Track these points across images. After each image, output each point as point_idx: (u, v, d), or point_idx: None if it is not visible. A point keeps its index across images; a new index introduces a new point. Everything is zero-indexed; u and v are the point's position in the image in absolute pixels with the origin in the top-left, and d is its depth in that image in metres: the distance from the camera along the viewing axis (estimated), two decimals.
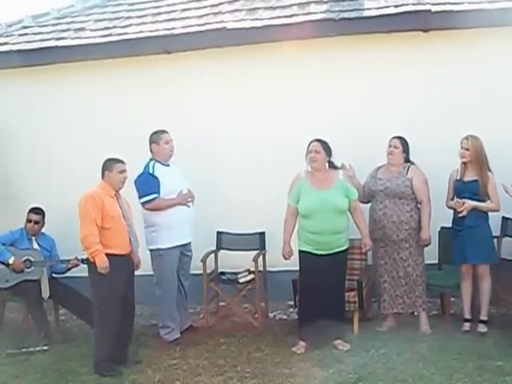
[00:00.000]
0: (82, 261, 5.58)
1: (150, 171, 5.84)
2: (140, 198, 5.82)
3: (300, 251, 5.57)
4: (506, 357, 5.06)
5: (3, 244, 6.27)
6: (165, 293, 5.90)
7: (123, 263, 5.36)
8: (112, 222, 5.31)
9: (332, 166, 5.65)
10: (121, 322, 5.30)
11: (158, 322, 6.09)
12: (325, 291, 5.43)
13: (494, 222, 5.87)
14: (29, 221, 6.49)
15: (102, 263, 5.19)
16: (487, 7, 6.12)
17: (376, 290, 6.03)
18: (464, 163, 5.69)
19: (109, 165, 5.46)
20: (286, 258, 5.69)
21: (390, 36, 6.40)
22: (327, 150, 5.59)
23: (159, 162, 5.91)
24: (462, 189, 5.68)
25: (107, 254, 5.22)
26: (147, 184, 5.79)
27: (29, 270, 6.22)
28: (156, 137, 5.95)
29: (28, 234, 6.48)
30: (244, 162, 6.86)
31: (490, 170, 5.63)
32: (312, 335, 5.53)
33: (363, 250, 5.77)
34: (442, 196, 5.82)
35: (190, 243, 6.08)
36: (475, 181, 5.61)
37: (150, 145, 5.98)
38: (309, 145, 5.60)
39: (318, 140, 5.59)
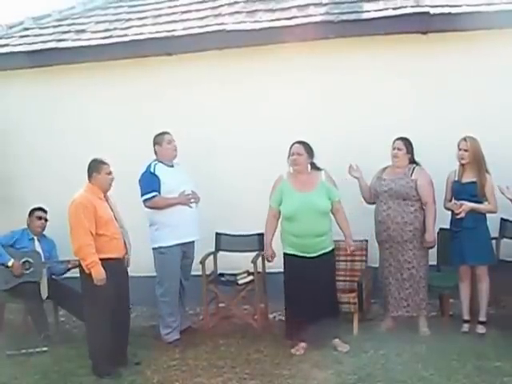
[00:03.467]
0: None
1: (152, 170, 5.95)
2: (141, 195, 5.92)
3: (285, 254, 5.59)
4: (504, 357, 5.06)
5: (2, 245, 6.29)
6: (166, 291, 5.93)
7: (118, 266, 5.31)
8: (106, 227, 5.22)
9: (314, 167, 5.66)
10: (117, 324, 5.25)
11: (158, 321, 6.10)
12: (314, 293, 5.43)
13: (493, 224, 5.88)
14: (39, 217, 6.53)
15: (99, 275, 5.09)
16: (486, 9, 6.12)
17: (381, 292, 6.02)
18: (462, 164, 5.71)
19: (96, 167, 5.33)
20: (268, 261, 5.76)
21: (388, 38, 6.41)
22: (309, 151, 5.59)
23: (162, 163, 6.02)
24: (459, 190, 5.69)
25: (102, 259, 5.13)
26: (148, 182, 5.91)
27: (28, 271, 6.24)
28: (159, 138, 6.07)
29: (30, 235, 6.51)
30: (243, 163, 6.87)
31: (487, 172, 5.65)
32: (302, 336, 5.54)
33: (348, 252, 5.76)
34: (440, 197, 5.82)
35: (193, 242, 6.11)
36: (473, 182, 5.62)
37: (154, 146, 6.09)
38: (291, 147, 5.61)
39: (300, 142, 5.61)
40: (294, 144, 5.62)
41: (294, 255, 5.51)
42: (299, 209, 5.43)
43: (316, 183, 5.56)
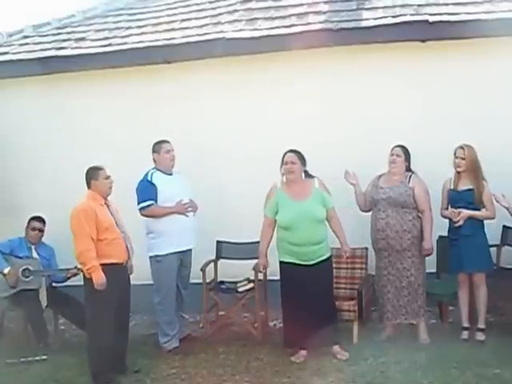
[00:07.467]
0: (81, 270, 5.57)
1: (149, 179, 5.95)
2: (137, 204, 5.91)
3: (281, 262, 5.59)
4: (504, 365, 5.06)
5: (1, 253, 6.29)
6: (163, 300, 5.92)
7: (120, 272, 5.33)
8: (107, 232, 5.25)
9: (307, 175, 5.67)
10: (116, 332, 5.25)
11: (157, 330, 6.09)
12: (312, 300, 5.42)
13: (494, 231, 5.90)
14: (33, 229, 6.54)
15: (99, 280, 5.11)
16: (485, 17, 6.16)
17: (377, 300, 6.01)
18: (458, 172, 5.71)
19: (93, 173, 5.39)
20: (260, 271, 5.77)
21: (388, 46, 6.43)
22: (302, 160, 5.61)
23: (160, 171, 6.01)
24: (456, 198, 5.69)
25: (105, 264, 5.16)
26: (144, 191, 5.91)
27: (27, 279, 6.23)
28: (157, 147, 6.07)
29: (28, 243, 6.51)
30: (243, 171, 6.87)
31: (484, 179, 5.65)
32: (301, 343, 5.55)
33: (344, 258, 5.74)
34: (437, 205, 5.83)
35: (190, 251, 6.10)
36: (469, 190, 5.63)
37: (152, 154, 6.08)
38: (283, 156, 5.61)
39: (293, 150, 5.62)
40: (286, 153, 5.62)
41: (291, 263, 5.51)
42: (296, 218, 5.43)
43: (310, 191, 5.57)
